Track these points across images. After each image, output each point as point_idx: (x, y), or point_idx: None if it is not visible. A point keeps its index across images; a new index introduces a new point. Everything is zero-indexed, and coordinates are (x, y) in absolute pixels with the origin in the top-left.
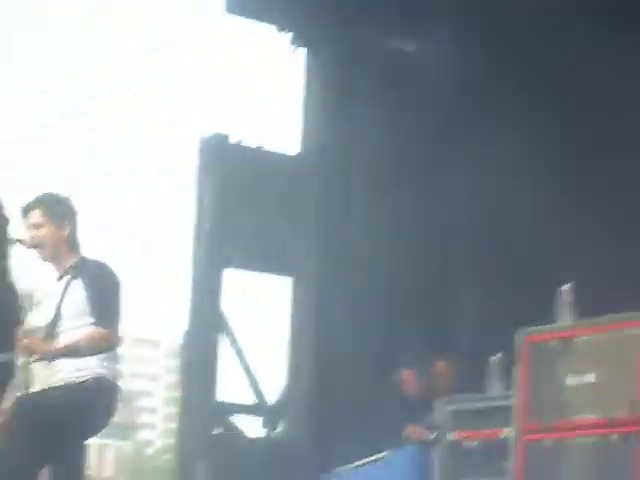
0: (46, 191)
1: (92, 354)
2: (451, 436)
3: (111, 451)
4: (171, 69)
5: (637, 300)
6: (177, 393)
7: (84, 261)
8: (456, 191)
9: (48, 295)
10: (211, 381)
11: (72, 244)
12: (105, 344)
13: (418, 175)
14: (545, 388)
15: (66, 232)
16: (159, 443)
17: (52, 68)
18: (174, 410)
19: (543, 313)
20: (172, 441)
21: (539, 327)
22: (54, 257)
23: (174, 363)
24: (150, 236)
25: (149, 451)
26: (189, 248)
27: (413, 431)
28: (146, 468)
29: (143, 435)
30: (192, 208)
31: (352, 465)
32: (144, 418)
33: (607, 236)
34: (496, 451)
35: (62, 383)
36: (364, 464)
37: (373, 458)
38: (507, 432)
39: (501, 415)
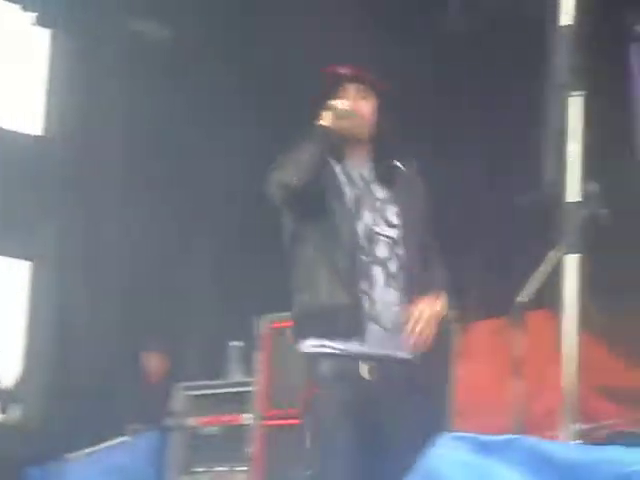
0: None
1: None
2: (190, 422)
3: None
4: None
5: None
6: None
7: None
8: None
9: None
10: None
11: None
12: None
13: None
14: (285, 375)
15: None
16: None
17: None
18: None
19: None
20: None
21: (281, 314)
22: None
23: None
24: None
25: None
26: None
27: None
28: None
29: None
30: None
31: (87, 451)
32: None
33: None
34: (236, 437)
35: None
36: (101, 449)
37: (111, 443)
38: (247, 418)
39: (241, 401)
